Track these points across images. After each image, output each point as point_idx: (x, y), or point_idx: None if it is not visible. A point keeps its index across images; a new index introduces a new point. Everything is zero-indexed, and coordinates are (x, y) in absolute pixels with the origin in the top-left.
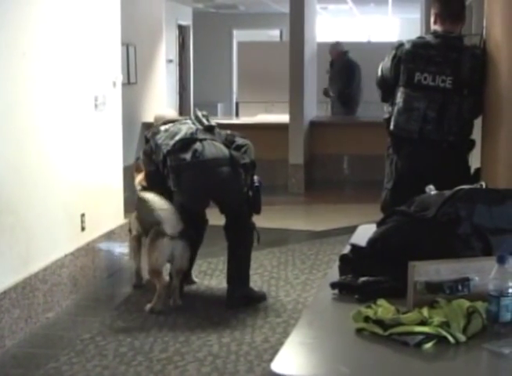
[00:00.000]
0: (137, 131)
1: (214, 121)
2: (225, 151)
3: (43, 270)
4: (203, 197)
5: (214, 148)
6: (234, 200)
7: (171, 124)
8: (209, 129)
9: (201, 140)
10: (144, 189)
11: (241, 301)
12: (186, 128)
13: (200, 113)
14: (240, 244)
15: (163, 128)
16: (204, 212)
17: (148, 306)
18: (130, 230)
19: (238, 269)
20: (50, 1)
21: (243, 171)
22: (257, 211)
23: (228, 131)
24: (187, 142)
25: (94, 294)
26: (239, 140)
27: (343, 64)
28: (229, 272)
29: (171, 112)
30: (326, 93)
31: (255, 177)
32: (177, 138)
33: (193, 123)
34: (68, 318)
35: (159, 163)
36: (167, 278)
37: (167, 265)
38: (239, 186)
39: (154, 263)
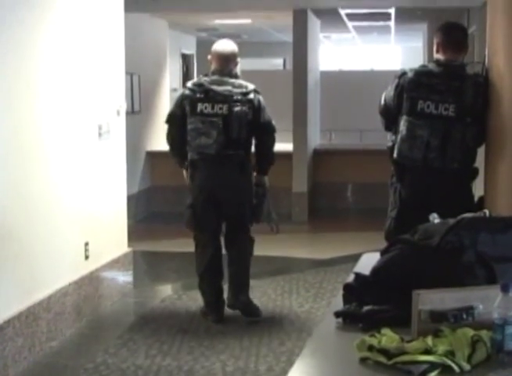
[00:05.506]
0: (141, 159)
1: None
2: None
3: (47, 299)
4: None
5: None
6: (239, 201)
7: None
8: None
9: None
10: None
11: (242, 305)
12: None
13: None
14: (241, 255)
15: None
16: (219, 234)
17: None
18: None
19: (239, 279)
20: (55, 30)
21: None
22: (257, 220)
23: None
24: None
25: (98, 323)
26: None
27: None
28: (231, 282)
29: None
30: None
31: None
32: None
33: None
34: (72, 347)
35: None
36: None
37: None
38: (248, 189)
39: None
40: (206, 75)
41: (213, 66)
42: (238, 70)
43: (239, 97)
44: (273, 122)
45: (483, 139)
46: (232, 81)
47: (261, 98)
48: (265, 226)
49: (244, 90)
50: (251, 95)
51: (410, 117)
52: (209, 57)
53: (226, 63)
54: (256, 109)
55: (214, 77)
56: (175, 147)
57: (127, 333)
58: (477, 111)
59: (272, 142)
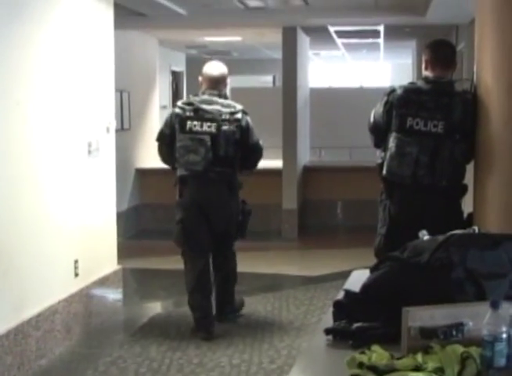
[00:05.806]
0: (130, 177)
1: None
2: None
3: (36, 316)
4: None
5: None
6: (227, 218)
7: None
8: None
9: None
10: None
11: (230, 316)
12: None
13: None
14: (226, 271)
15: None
16: (207, 250)
17: None
18: None
19: (225, 295)
20: (44, 48)
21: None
22: (243, 235)
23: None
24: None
25: (87, 341)
26: None
27: None
28: (217, 298)
29: None
30: None
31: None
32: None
33: None
34: (61, 365)
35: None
36: None
37: None
38: (235, 206)
39: None
40: (196, 95)
41: (203, 87)
42: (227, 90)
43: (228, 116)
44: (261, 142)
45: (472, 155)
46: (221, 101)
47: (248, 119)
48: (255, 243)
49: (233, 110)
50: (239, 115)
51: (399, 134)
52: (200, 79)
53: (216, 84)
54: (244, 130)
55: (204, 97)
56: (168, 163)
57: (116, 351)
58: (465, 128)
59: (259, 158)
